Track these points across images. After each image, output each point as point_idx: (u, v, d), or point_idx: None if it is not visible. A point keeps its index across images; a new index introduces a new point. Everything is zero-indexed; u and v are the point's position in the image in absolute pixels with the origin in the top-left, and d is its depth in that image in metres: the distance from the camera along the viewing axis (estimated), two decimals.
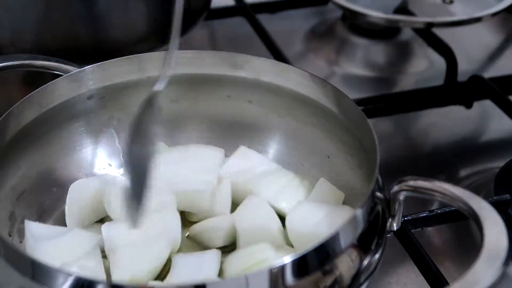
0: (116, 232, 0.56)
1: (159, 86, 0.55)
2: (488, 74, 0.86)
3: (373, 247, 0.50)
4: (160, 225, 0.56)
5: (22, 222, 0.58)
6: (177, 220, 0.57)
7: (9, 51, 0.72)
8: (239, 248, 0.57)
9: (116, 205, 0.58)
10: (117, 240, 0.55)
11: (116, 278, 0.53)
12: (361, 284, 0.49)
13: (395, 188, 0.51)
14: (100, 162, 0.65)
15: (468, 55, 0.97)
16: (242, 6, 1.01)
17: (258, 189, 0.61)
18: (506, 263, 0.45)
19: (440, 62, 0.89)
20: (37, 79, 0.67)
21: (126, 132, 0.51)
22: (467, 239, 0.66)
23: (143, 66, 0.64)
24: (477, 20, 0.89)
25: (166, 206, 0.58)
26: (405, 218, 0.61)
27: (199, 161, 0.63)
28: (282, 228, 0.58)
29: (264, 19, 0.97)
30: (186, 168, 0.62)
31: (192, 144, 0.66)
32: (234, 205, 0.61)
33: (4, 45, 0.73)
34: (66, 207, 0.60)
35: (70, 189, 0.61)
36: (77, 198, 0.60)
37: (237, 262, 0.55)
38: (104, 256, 0.56)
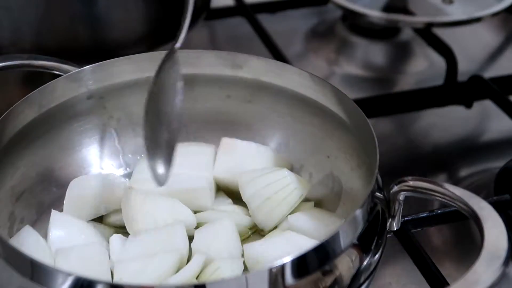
0: (124, 244, 0.56)
1: (178, 44, 0.57)
2: (488, 74, 0.86)
3: (373, 247, 0.50)
4: (168, 241, 0.56)
5: (22, 222, 0.58)
6: (184, 235, 0.57)
7: (9, 51, 0.72)
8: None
9: (136, 218, 0.58)
10: (124, 253, 0.55)
11: None
12: (361, 284, 0.49)
13: (395, 188, 0.51)
14: (100, 162, 0.65)
15: (468, 55, 0.97)
16: (242, 6, 1.01)
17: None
18: (506, 263, 0.45)
19: (440, 62, 0.89)
20: (37, 79, 0.67)
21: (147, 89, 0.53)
22: (467, 239, 0.66)
23: (143, 66, 0.64)
24: (477, 20, 0.89)
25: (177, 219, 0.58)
26: (405, 218, 0.61)
27: (192, 159, 0.63)
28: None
29: (264, 19, 0.97)
30: (180, 166, 0.62)
31: (183, 143, 0.66)
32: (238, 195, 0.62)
33: (4, 45, 0.73)
34: (64, 202, 0.60)
35: (70, 184, 0.61)
36: (76, 194, 0.60)
37: (259, 193, 0.58)
38: None
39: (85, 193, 0.60)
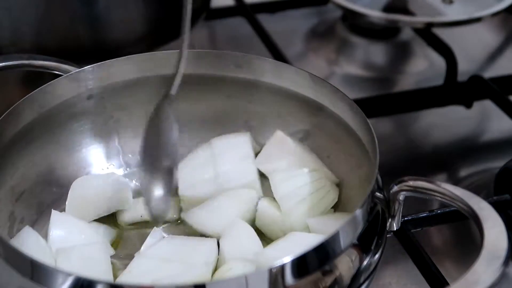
0: (158, 240, 0.56)
1: (173, 90, 0.57)
2: (488, 74, 0.86)
3: (373, 247, 0.50)
4: (196, 252, 0.56)
5: (22, 222, 0.58)
6: (214, 251, 0.56)
7: (9, 51, 0.72)
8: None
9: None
10: (152, 249, 0.55)
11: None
12: (361, 284, 0.49)
13: (395, 188, 0.51)
14: (100, 162, 0.65)
15: (468, 55, 0.97)
16: (242, 6, 1.01)
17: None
18: (506, 263, 0.45)
19: (440, 62, 0.89)
20: (37, 79, 0.67)
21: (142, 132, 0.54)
22: (467, 239, 0.66)
23: (143, 66, 0.64)
24: (477, 20, 0.89)
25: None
26: (405, 218, 0.61)
27: (231, 152, 0.63)
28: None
29: (264, 19, 0.97)
30: (222, 164, 0.62)
31: (212, 138, 0.66)
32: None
33: (4, 45, 0.73)
34: (67, 202, 0.60)
35: (73, 184, 0.61)
36: (79, 194, 0.60)
37: (294, 193, 0.58)
38: None
39: (87, 193, 0.60)
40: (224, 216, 0.59)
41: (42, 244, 0.56)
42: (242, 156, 0.63)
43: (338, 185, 0.62)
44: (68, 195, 0.60)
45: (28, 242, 0.55)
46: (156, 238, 0.57)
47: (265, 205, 0.60)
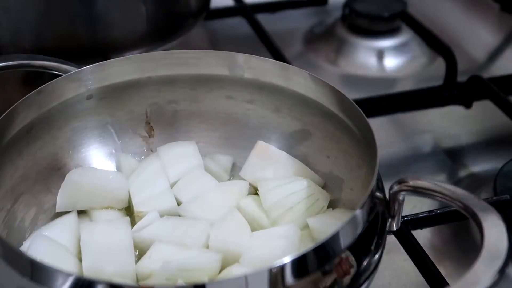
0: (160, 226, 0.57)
1: None
2: (487, 74, 0.86)
3: (373, 247, 0.50)
4: (187, 232, 0.57)
5: (22, 222, 0.58)
6: (205, 233, 0.57)
7: (9, 51, 0.72)
8: None
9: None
10: (159, 234, 0.56)
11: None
12: (361, 284, 0.49)
13: (395, 188, 0.51)
14: (100, 162, 0.65)
15: (468, 55, 0.97)
16: (241, 6, 1.01)
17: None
18: (506, 263, 0.45)
19: (440, 62, 0.89)
20: (37, 79, 0.67)
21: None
22: (467, 239, 0.66)
23: (143, 66, 0.64)
24: None
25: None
26: (405, 218, 0.61)
27: (181, 163, 0.64)
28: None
29: (263, 19, 0.97)
30: (173, 176, 0.63)
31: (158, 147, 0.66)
32: None
33: (3, 45, 0.72)
34: (60, 190, 0.60)
35: (68, 174, 0.61)
36: (73, 182, 0.60)
37: (281, 202, 0.58)
38: None
39: (83, 182, 0.60)
40: (217, 208, 0.60)
41: (58, 247, 0.56)
42: (193, 166, 0.64)
43: (337, 187, 0.62)
44: (62, 184, 0.60)
45: (43, 247, 0.55)
46: (151, 219, 0.58)
47: (247, 202, 0.60)
